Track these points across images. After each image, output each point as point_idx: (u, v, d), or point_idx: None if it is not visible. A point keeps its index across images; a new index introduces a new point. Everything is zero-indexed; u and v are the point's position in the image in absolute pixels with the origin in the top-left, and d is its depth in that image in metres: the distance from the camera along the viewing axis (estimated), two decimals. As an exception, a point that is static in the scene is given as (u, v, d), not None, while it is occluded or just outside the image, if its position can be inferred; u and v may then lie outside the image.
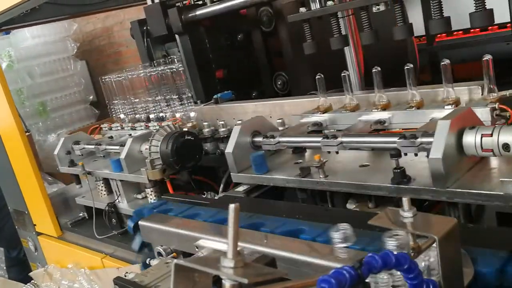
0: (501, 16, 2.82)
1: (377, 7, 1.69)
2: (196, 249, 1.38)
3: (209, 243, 1.34)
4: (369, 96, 1.89)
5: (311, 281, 0.65)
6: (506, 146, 1.25)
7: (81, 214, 3.00)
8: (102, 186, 2.77)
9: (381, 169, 1.55)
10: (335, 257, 1.06)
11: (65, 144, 3.00)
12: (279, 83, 2.67)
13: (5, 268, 4.55)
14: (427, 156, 1.35)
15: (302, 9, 1.90)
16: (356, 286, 0.65)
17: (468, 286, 0.92)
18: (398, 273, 0.88)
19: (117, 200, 2.62)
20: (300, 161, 1.84)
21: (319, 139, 1.66)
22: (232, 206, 0.69)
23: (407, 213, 0.90)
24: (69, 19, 5.16)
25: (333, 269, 0.66)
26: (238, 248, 0.75)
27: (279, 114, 2.18)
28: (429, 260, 0.93)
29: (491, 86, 1.54)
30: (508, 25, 2.89)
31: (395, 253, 0.73)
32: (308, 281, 0.67)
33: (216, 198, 1.98)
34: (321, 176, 1.61)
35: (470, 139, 1.31)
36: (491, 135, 1.27)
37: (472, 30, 3.22)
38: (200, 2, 2.73)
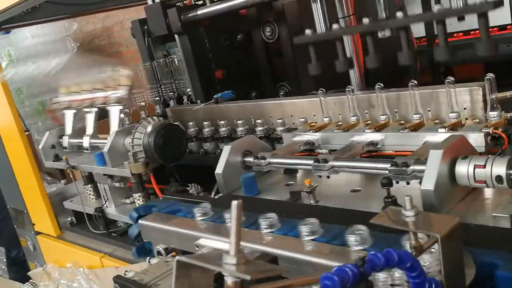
0: (501, 18, 2.83)
1: (383, 33, 1.67)
2: (196, 248, 1.38)
3: (210, 242, 1.34)
4: (369, 96, 1.88)
5: (314, 279, 0.65)
6: (499, 178, 1.23)
7: (69, 219, 3.00)
8: (90, 190, 2.77)
9: (373, 195, 1.55)
10: (336, 256, 1.06)
11: (50, 138, 2.98)
12: (281, 93, 2.67)
13: (3, 267, 4.54)
14: (420, 182, 1.33)
15: (308, 32, 1.88)
16: (359, 284, 0.65)
17: (469, 286, 0.91)
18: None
19: (105, 205, 2.61)
20: (292, 182, 1.84)
21: (311, 162, 1.65)
22: (234, 203, 0.69)
23: (409, 212, 0.89)
24: (69, 18, 5.15)
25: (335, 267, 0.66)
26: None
27: (279, 114, 2.18)
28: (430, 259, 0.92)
29: (495, 105, 1.53)
30: (509, 27, 2.89)
31: (397, 251, 0.73)
32: (311, 278, 0.66)
33: (216, 197, 1.97)
34: (311, 201, 1.59)
35: (463, 169, 1.28)
36: (484, 166, 1.25)
37: (472, 32, 3.23)
38: (200, 2, 2.73)
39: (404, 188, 1.47)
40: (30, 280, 3.06)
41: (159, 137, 2.13)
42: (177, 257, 0.71)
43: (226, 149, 1.86)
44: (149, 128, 2.17)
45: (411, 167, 1.38)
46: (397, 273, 0.83)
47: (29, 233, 3.39)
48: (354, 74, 2.15)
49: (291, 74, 2.61)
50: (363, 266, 0.66)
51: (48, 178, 5.09)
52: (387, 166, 1.43)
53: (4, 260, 4.51)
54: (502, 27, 3.06)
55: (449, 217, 0.89)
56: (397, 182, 1.42)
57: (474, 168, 1.26)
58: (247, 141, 1.95)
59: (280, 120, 2.10)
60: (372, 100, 1.87)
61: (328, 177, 1.64)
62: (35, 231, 3.31)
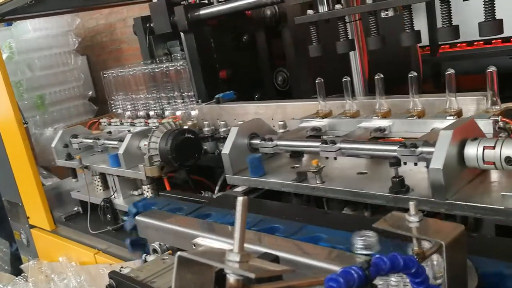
0: (505, 30, 2.84)
1: (386, 12, 1.67)
2: (194, 247, 1.36)
3: (207, 241, 1.32)
4: (372, 102, 1.87)
5: (318, 280, 0.64)
6: (508, 160, 1.23)
7: (75, 208, 2.97)
8: (98, 181, 2.75)
9: (379, 178, 1.54)
10: (336, 259, 1.05)
11: (62, 137, 2.97)
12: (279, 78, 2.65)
13: (1, 264, 4.49)
14: (427, 166, 1.33)
15: (310, 12, 1.88)
16: (364, 287, 0.64)
17: (471, 295, 0.90)
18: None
19: (113, 196, 2.59)
20: (297, 165, 1.82)
21: (318, 144, 1.64)
22: (240, 199, 0.67)
23: (413, 218, 0.88)
24: (73, 13, 5.14)
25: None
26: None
27: (281, 116, 2.17)
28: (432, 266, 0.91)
29: (494, 99, 1.53)
30: (512, 39, 2.90)
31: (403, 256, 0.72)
32: (315, 280, 0.65)
33: (214, 196, 1.96)
34: (317, 182, 1.58)
35: (472, 151, 1.28)
36: (494, 147, 1.25)
37: (475, 43, 3.24)
38: (206, 1, 2.72)
39: (411, 171, 1.46)
40: (23, 274, 3.04)
41: (176, 141, 2.14)
42: (179, 253, 0.69)
43: (233, 131, 1.85)
44: (166, 132, 2.17)
45: (420, 149, 1.37)
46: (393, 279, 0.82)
47: (23, 226, 3.36)
48: (357, 80, 2.15)
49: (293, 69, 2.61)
50: (368, 269, 0.65)
51: (44, 172, 5.06)
52: (396, 147, 1.42)
53: (6, 251, 4.44)
54: (505, 39, 3.07)
55: (454, 224, 0.88)
56: (405, 163, 1.41)
57: (484, 150, 1.26)
58: (254, 123, 1.93)
59: (281, 123, 2.08)
60: (374, 106, 1.85)
61: (335, 158, 1.62)
62: (29, 224, 3.28)
